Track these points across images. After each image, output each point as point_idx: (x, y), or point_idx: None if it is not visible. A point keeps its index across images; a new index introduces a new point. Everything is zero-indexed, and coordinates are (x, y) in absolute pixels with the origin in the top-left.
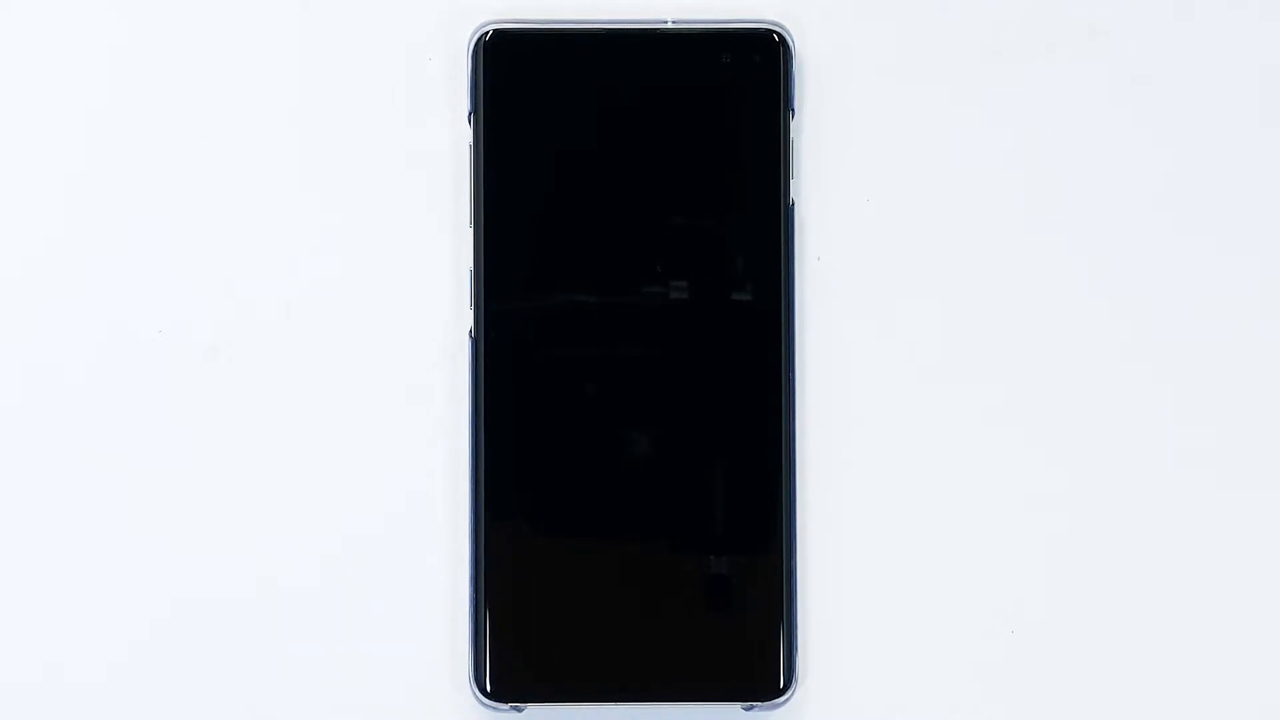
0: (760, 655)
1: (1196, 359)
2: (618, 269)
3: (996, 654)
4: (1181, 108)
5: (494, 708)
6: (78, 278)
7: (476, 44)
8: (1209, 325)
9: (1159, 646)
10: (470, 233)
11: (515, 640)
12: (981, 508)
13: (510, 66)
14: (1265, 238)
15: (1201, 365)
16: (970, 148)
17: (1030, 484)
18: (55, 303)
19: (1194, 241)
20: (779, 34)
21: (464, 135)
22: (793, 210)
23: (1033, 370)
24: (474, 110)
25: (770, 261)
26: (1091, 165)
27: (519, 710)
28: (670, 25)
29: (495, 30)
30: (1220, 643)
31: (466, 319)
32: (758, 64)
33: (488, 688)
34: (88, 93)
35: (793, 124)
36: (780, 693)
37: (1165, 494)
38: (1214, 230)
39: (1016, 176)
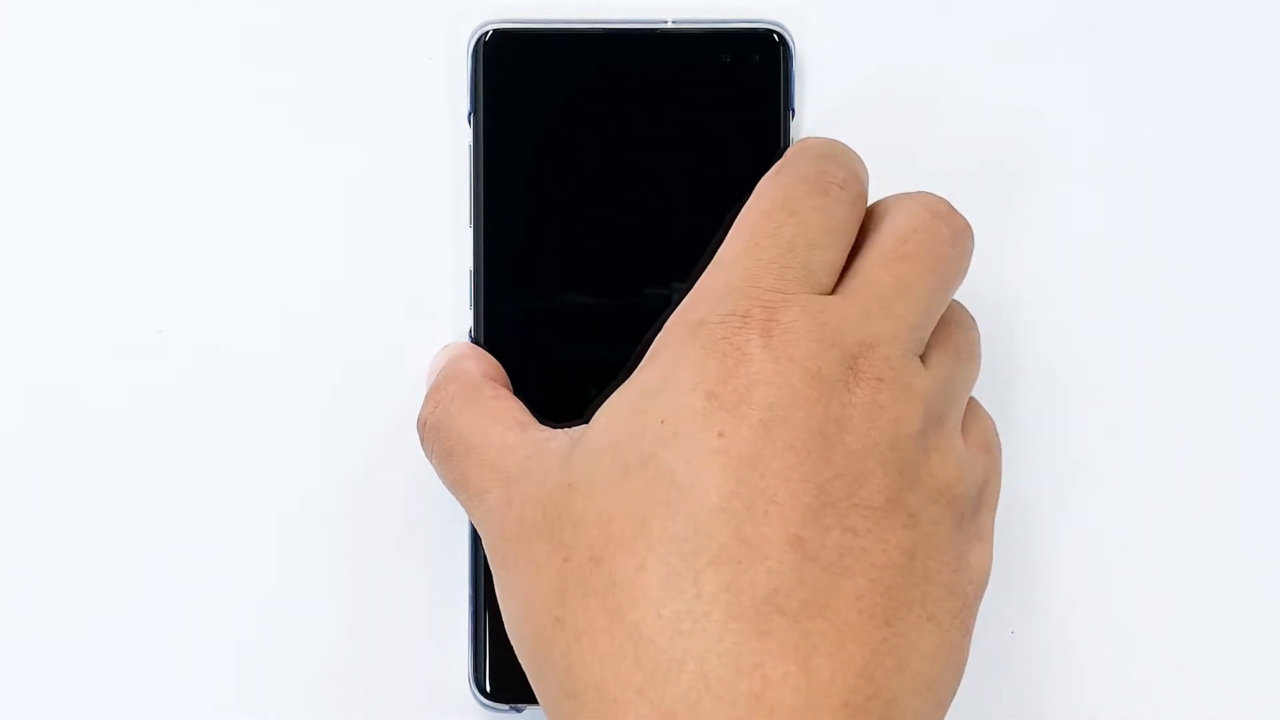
0: None
1: (1196, 359)
2: (618, 269)
3: (997, 654)
4: (1181, 108)
5: (494, 708)
6: (78, 278)
7: (476, 44)
8: (1206, 324)
9: (1159, 647)
10: (470, 233)
11: None
12: None
13: (510, 66)
14: (1265, 238)
15: (1201, 365)
16: (970, 148)
17: (1030, 484)
18: (55, 302)
19: (1194, 241)
20: (779, 34)
21: (464, 135)
22: None
23: (1031, 370)
24: (474, 110)
25: None
26: (1091, 165)
27: (519, 711)
28: (670, 25)
29: (495, 30)
30: (1221, 643)
31: (466, 319)
32: (758, 64)
33: (487, 688)
34: (87, 94)
35: (793, 124)
36: None
37: (1166, 494)
38: (1214, 231)
39: (1016, 176)
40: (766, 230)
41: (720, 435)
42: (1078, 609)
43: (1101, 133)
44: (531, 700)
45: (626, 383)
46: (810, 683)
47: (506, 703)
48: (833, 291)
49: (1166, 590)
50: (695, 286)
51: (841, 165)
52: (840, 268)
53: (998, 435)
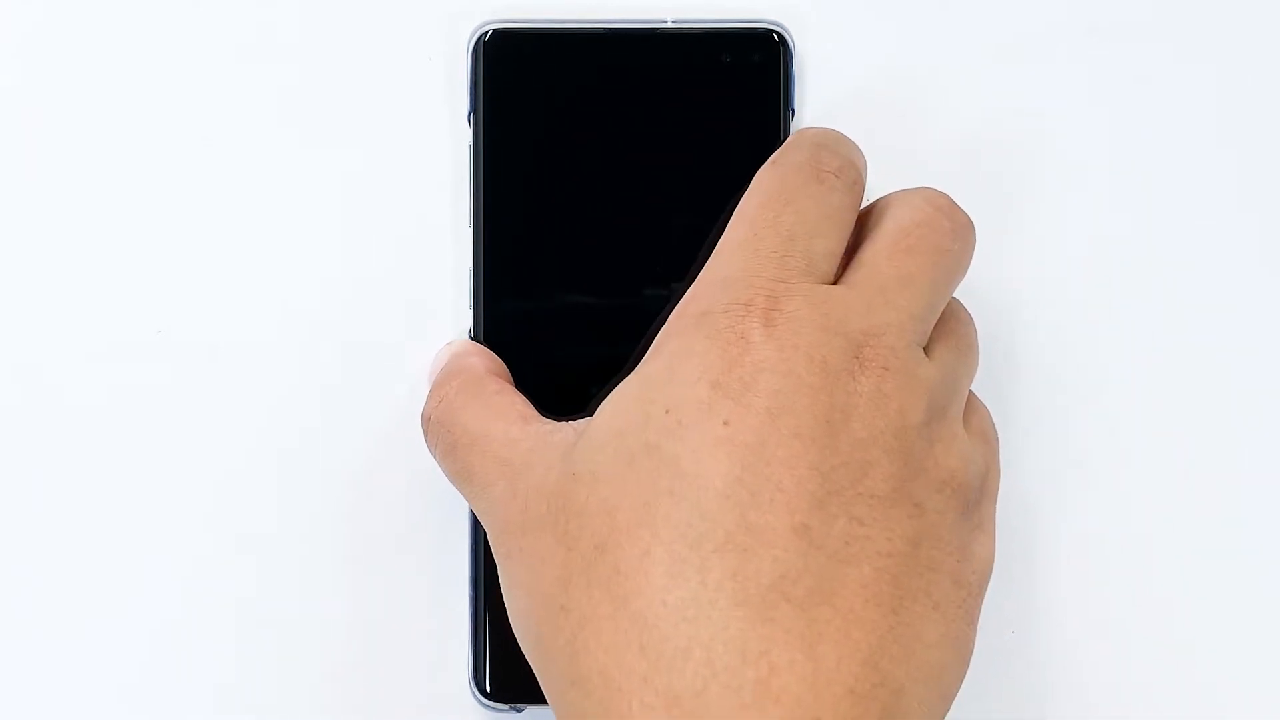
0: None
1: (1196, 359)
2: (618, 269)
3: (996, 654)
4: (1181, 108)
5: (494, 708)
6: (78, 278)
7: (476, 44)
8: (1206, 325)
9: (1159, 647)
10: (470, 233)
11: (515, 641)
12: None
13: (510, 66)
14: (1265, 238)
15: (1201, 365)
16: (970, 148)
17: (1029, 483)
18: (55, 302)
19: (1194, 241)
20: (779, 34)
21: (464, 135)
22: None
23: (1030, 370)
24: (474, 110)
25: None
26: (1091, 165)
27: (519, 711)
28: (670, 25)
29: (495, 30)
30: (1221, 643)
31: (466, 319)
32: (758, 64)
33: (487, 688)
34: (88, 94)
35: (793, 124)
36: None
37: (1166, 494)
38: (1214, 231)
39: (1017, 177)
40: (765, 220)
41: (725, 424)
42: (1078, 609)
43: (1101, 133)
44: (532, 700)
45: (631, 375)
46: (816, 670)
47: (506, 703)
48: (834, 281)
49: (1166, 590)
50: (697, 279)
51: (836, 153)
52: (840, 255)
53: (995, 426)
